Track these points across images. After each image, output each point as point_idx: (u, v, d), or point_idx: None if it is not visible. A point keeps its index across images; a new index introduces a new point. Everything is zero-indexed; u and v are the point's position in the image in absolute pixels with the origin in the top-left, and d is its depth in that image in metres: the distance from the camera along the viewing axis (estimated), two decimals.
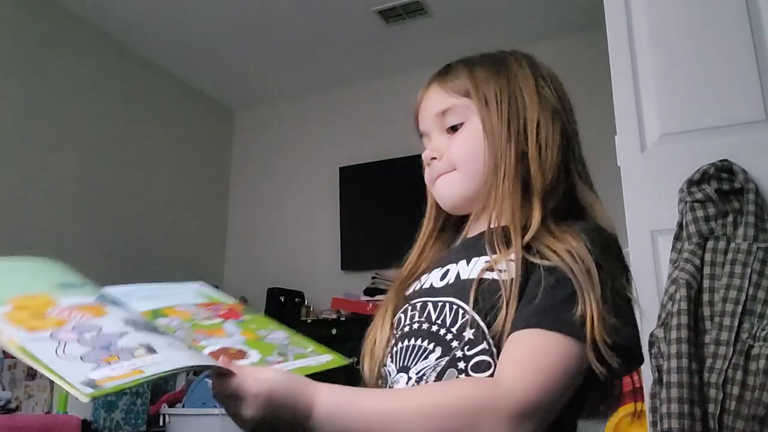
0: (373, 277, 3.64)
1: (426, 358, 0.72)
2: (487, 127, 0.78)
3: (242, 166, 4.65)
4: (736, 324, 1.20)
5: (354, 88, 4.30)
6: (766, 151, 1.36)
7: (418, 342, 0.74)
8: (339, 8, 3.52)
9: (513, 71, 0.81)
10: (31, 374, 2.82)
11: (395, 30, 3.71)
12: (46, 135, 3.32)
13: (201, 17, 3.60)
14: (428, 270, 0.83)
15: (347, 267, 3.99)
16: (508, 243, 0.74)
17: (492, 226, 0.77)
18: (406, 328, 0.77)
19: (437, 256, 0.85)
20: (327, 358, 0.72)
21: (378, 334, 0.81)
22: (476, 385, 0.65)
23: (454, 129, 0.81)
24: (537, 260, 0.70)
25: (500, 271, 0.71)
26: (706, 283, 1.26)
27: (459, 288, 0.74)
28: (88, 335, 0.54)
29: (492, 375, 0.67)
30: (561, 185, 0.78)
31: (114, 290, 0.72)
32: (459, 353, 0.70)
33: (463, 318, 0.72)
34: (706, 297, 1.25)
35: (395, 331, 0.79)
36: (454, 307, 0.73)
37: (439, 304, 0.75)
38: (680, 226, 1.35)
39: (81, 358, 0.51)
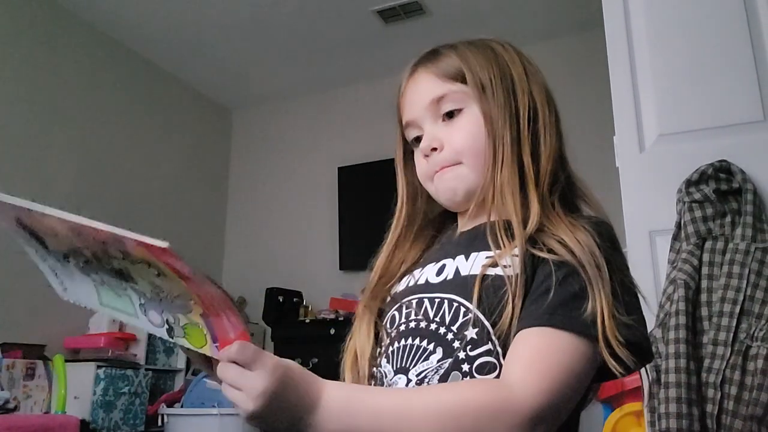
0: None
1: (426, 359, 0.69)
2: (487, 114, 0.75)
3: (241, 166, 4.65)
4: (734, 324, 1.20)
5: (352, 88, 4.30)
6: (765, 152, 1.36)
7: (416, 341, 0.71)
8: (338, 8, 3.52)
9: (502, 56, 0.79)
10: (30, 375, 2.82)
11: (394, 30, 3.71)
12: (44, 135, 3.32)
13: (200, 17, 3.59)
14: (420, 265, 0.79)
15: (346, 267, 3.99)
16: (510, 236, 0.71)
17: (492, 219, 0.74)
18: (402, 327, 0.73)
19: (421, 254, 0.82)
20: None
21: (359, 346, 0.77)
22: (489, 388, 0.62)
23: (449, 116, 0.77)
24: (544, 254, 0.67)
25: (504, 266, 0.68)
26: (704, 283, 1.26)
27: (460, 284, 0.71)
28: None
29: (497, 377, 0.65)
30: (561, 174, 0.76)
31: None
32: (462, 354, 0.67)
33: (464, 316, 0.69)
34: (704, 297, 1.25)
35: (389, 330, 0.75)
36: (454, 304, 0.70)
37: (437, 300, 0.72)
38: (678, 226, 1.35)
39: None
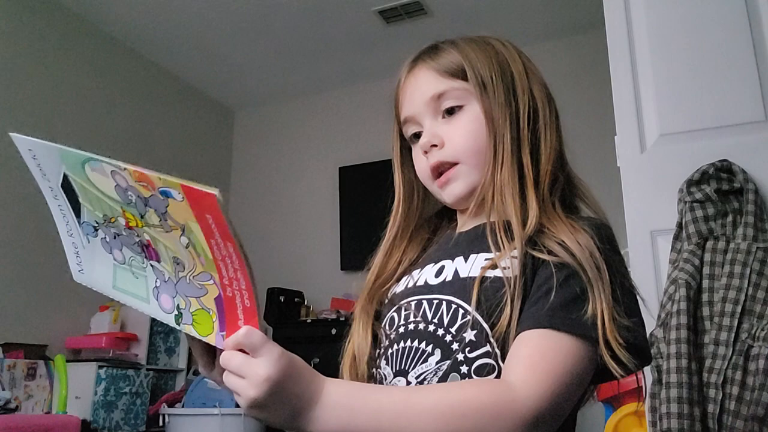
0: None
1: (425, 361, 0.69)
2: (488, 113, 0.74)
3: (242, 166, 4.65)
4: (735, 324, 1.20)
5: (354, 88, 4.30)
6: (766, 151, 1.36)
7: (415, 344, 0.70)
8: (339, 8, 3.52)
9: (502, 53, 0.78)
10: (31, 375, 2.82)
11: (395, 30, 3.71)
12: (44, 135, 3.31)
13: (202, 18, 3.60)
14: (418, 266, 0.78)
15: (347, 267, 3.99)
16: (510, 237, 0.70)
17: (492, 219, 0.73)
18: (401, 329, 0.73)
19: (419, 254, 0.81)
20: None
21: (357, 347, 0.76)
22: (490, 388, 0.62)
23: (449, 113, 0.76)
24: (544, 256, 0.67)
25: (504, 268, 0.68)
26: (705, 283, 1.26)
27: (458, 286, 0.71)
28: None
29: (496, 378, 0.65)
30: (560, 174, 0.75)
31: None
32: (460, 356, 0.67)
33: (463, 318, 0.68)
34: (705, 297, 1.25)
35: (388, 332, 0.75)
36: (453, 306, 0.70)
37: (435, 302, 0.72)
38: (680, 226, 1.35)
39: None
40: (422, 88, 0.78)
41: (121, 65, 3.83)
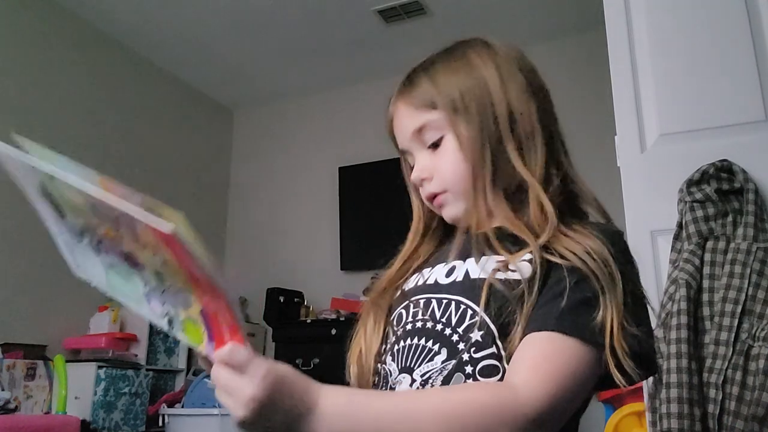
0: (373, 278, 3.63)
1: (431, 359, 0.69)
2: (461, 139, 0.75)
3: (242, 166, 4.65)
4: (735, 324, 1.20)
5: (354, 87, 4.30)
6: (766, 151, 1.36)
7: (422, 342, 0.71)
8: (339, 8, 3.52)
9: (474, 65, 0.77)
10: (31, 375, 2.82)
11: (395, 30, 3.71)
12: (44, 135, 3.32)
13: (201, 17, 3.60)
14: (428, 264, 0.79)
15: (347, 267, 3.99)
16: (515, 243, 0.71)
17: (495, 225, 0.75)
18: (409, 326, 0.73)
19: (432, 251, 0.82)
20: None
21: (365, 342, 0.77)
22: (493, 390, 0.63)
23: (435, 145, 0.78)
24: (556, 259, 0.67)
25: (514, 270, 0.68)
26: (705, 283, 1.26)
27: (468, 287, 0.71)
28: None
29: (500, 380, 0.65)
30: (554, 179, 0.75)
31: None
32: (465, 356, 0.67)
33: (471, 319, 0.69)
34: (705, 297, 1.25)
35: (395, 328, 0.75)
36: (462, 306, 0.70)
37: (444, 301, 0.72)
38: (680, 226, 1.35)
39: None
40: (404, 124, 0.80)
41: (121, 66, 3.83)
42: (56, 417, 2.64)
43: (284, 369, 0.56)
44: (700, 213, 1.32)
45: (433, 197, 0.79)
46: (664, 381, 1.20)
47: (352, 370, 0.77)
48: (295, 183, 4.39)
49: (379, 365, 0.75)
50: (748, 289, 1.21)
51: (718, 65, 1.46)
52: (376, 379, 0.75)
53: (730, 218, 1.30)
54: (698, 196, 1.33)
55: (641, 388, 1.43)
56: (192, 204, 4.27)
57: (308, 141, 4.43)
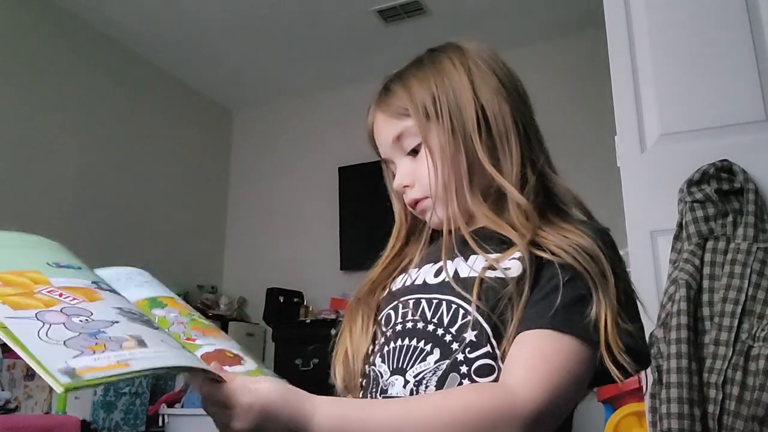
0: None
1: (423, 360, 0.68)
2: (432, 145, 0.76)
3: (241, 166, 4.65)
4: (735, 324, 1.19)
5: (353, 87, 4.29)
6: (766, 151, 1.36)
7: (413, 342, 0.70)
8: (338, 8, 3.52)
9: (445, 70, 0.78)
10: (30, 375, 2.82)
11: (394, 30, 3.71)
12: (44, 135, 3.32)
13: (200, 17, 3.59)
14: (416, 265, 0.79)
15: (346, 267, 3.99)
16: (503, 242, 0.71)
17: (485, 224, 0.75)
18: (399, 327, 0.73)
19: (418, 252, 0.82)
20: None
21: (352, 344, 0.77)
22: (489, 393, 0.62)
23: (415, 151, 0.79)
24: (548, 256, 0.67)
25: (505, 269, 0.68)
26: (705, 283, 1.26)
27: (459, 286, 0.71)
28: (77, 320, 0.50)
29: (496, 379, 0.65)
30: (529, 178, 0.75)
31: (110, 271, 0.69)
32: (460, 356, 0.67)
33: (463, 318, 0.68)
34: (705, 297, 1.25)
35: (384, 329, 0.75)
36: (453, 306, 0.70)
37: (434, 301, 0.72)
38: (680, 226, 1.35)
39: (65, 343, 0.47)
40: (383, 133, 0.82)
41: (120, 66, 3.83)
42: (56, 417, 2.64)
43: (270, 395, 0.57)
44: (700, 213, 1.32)
45: (415, 203, 0.80)
46: (664, 381, 1.20)
47: (338, 371, 0.77)
48: (295, 183, 4.39)
49: (367, 367, 0.74)
50: (748, 289, 1.21)
51: (719, 65, 1.46)
52: (364, 381, 0.74)
53: (730, 218, 1.30)
54: (698, 196, 1.33)
55: (641, 389, 1.43)
56: (191, 204, 4.27)
57: (308, 141, 4.42)
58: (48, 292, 0.52)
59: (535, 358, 0.63)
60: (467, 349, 0.67)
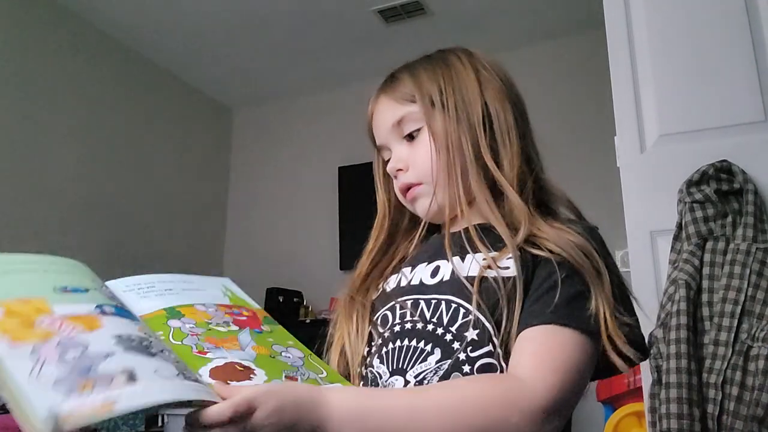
0: None
1: (424, 360, 0.68)
2: (436, 130, 0.77)
3: (241, 165, 4.65)
4: (735, 324, 1.20)
5: (353, 87, 4.30)
6: (766, 152, 1.36)
7: (413, 343, 0.70)
8: (338, 8, 3.52)
9: (454, 67, 0.81)
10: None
11: (395, 30, 3.71)
12: (44, 134, 3.32)
13: (200, 16, 3.59)
14: (408, 263, 0.79)
15: (346, 267, 3.99)
16: (499, 240, 0.72)
17: (479, 221, 0.76)
18: (397, 328, 0.73)
19: (409, 251, 0.83)
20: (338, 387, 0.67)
21: (349, 344, 0.77)
22: (500, 382, 0.63)
23: (411, 137, 0.80)
24: (545, 253, 0.69)
25: (503, 267, 0.69)
26: (705, 283, 1.26)
27: (457, 286, 0.71)
28: (71, 354, 0.51)
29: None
30: (528, 178, 0.77)
31: (135, 280, 0.70)
32: (462, 356, 0.67)
33: (464, 318, 0.69)
34: (705, 297, 1.25)
35: (381, 330, 0.75)
36: (453, 305, 0.70)
37: (433, 302, 0.72)
38: (679, 226, 1.35)
39: (53, 385, 0.48)
40: (384, 117, 0.83)
41: (119, 64, 3.83)
42: None
43: (282, 403, 0.55)
44: (699, 214, 1.32)
45: (406, 189, 0.81)
46: (663, 381, 1.20)
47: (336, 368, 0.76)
48: (295, 182, 4.39)
49: (364, 369, 0.75)
50: (747, 289, 1.21)
51: (718, 66, 1.46)
52: (362, 383, 0.74)
53: (729, 219, 1.30)
54: (698, 196, 1.33)
55: (641, 388, 1.43)
56: (191, 203, 4.27)
57: (308, 141, 4.42)
58: (49, 322, 0.54)
59: (542, 352, 0.63)
60: (469, 348, 0.67)
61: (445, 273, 0.74)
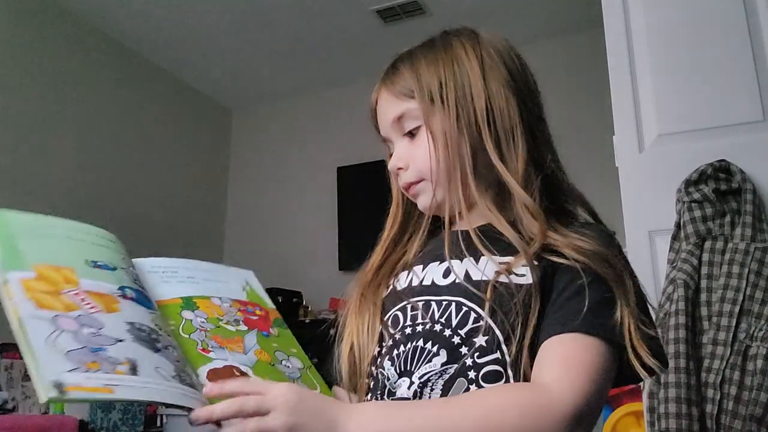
0: None
1: (429, 361, 0.67)
2: (434, 129, 0.74)
3: (240, 165, 4.65)
4: (733, 324, 1.20)
5: (352, 88, 4.29)
6: (764, 152, 1.36)
7: (420, 343, 0.69)
8: (337, 8, 3.52)
9: (457, 56, 0.76)
10: (28, 375, 2.82)
11: (393, 30, 3.71)
12: (44, 135, 3.32)
13: (200, 17, 3.59)
14: (419, 261, 0.77)
15: (345, 267, 3.99)
16: (511, 244, 0.69)
17: (483, 222, 0.74)
18: (408, 330, 0.71)
19: (421, 247, 0.80)
20: None
21: (358, 344, 0.76)
22: (526, 390, 0.62)
23: (412, 134, 0.77)
24: (566, 261, 0.67)
25: (520, 275, 0.67)
26: (703, 283, 1.26)
27: (470, 290, 0.69)
28: (86, 330, 0.53)
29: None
30: (533, 177, 0.73)
31: (161, 262, 0.73)
32: (469, 361, 0.65)
33: (475, 323, 0.67)
34: (703, 297, 1.25)
35: (392, 331, 0.73)
36: (464, 309, 0.68)
37: (443, 303, 0.70)
38: (678, 226, 1.35)
39: (67, 354, 0.51)
40: (385, 112, 0.80)
41: (120, 65, 3.83)
42: (54, 417, 2.63)
43: (304, 398, 0.58)
44: (698, 213, 1.32)
45: (408, 186, 0.79)
46: (662, 381, 1.20)
47: (344, 367, 0.75)
48: (294, 183, 4.39)
49: (374, 369, 0.73)
50: (746, 289, 1.21)
51: (717, 66, 1.46)
52: (372, 383, 0.73)
53: (728, 218, 1.30)
54: (696, 196, 1.33)
55: (639, 388, 1.43)
56: (190, 203, 4.27)
57: (307, 141, 4.42)
58: (73, 294, 0.56)
59: (567, 360, 0.62)
60: (476, 354, 0.66)
61: (458, 274, 0.71)
